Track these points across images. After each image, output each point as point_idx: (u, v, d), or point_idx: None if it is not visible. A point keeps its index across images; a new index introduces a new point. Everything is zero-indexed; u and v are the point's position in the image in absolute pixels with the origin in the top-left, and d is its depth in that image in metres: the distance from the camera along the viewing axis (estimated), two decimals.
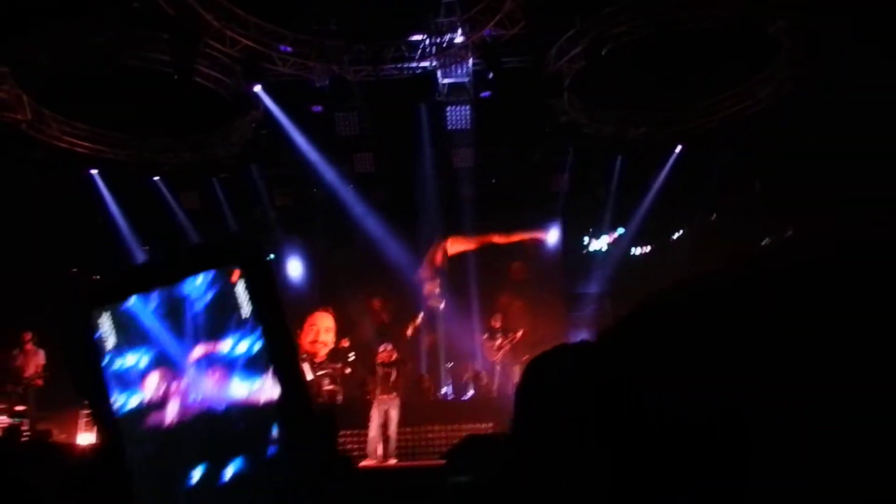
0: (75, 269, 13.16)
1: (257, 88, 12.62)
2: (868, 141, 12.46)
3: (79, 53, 11.87)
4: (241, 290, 0.88)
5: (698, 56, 12.70)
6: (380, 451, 9.59)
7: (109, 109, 12.89)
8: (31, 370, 9.98)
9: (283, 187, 14.83)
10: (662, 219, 15.44)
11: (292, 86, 13.03)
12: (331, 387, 11.47)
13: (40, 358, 10.13)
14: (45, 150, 12.93)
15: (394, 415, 9.72)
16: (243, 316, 0.88)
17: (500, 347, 11.93)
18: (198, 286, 0.91)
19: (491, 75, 12.62)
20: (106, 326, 0.86)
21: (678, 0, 12.09)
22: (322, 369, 11.72)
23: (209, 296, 0.91)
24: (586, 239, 15.59)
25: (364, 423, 9.84)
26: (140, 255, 14.63)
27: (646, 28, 12.57)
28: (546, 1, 11.52)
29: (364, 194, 14.45)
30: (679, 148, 14.57)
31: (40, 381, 9.99)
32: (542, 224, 15.18)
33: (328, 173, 14.28)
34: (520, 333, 12.02)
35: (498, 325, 12.47)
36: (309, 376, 11.79)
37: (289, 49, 12.34)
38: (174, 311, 0.89)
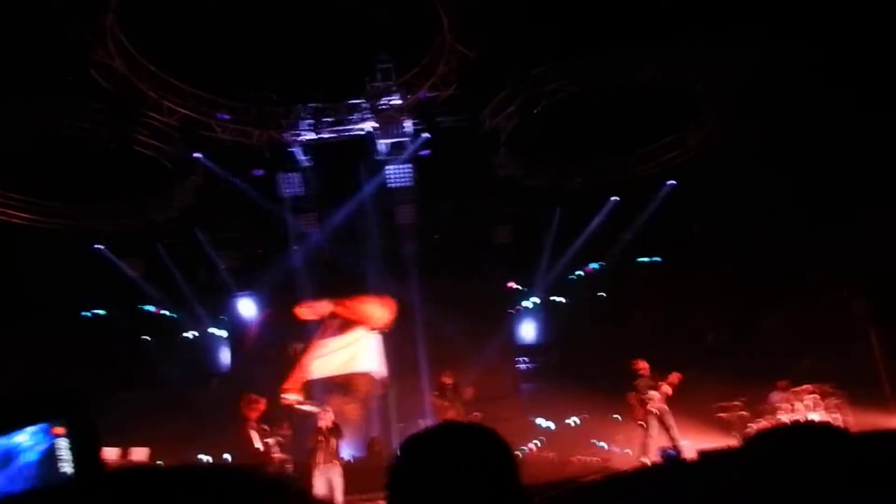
0: None
1: (197, 155, 12.67)
2: (798, 181, 13.08)
3: (13, 125, 11.82)
4: (63, 445, 0.95)
5: (630, 108, 13.21)
6: None
7: (44, 179, 12.80)
8: None
9: (228, 249, 14.81)
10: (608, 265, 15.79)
11: (233, 150, 13.14)
12: (280, 455, 11.28)
13: None
14: None
15: (338, 483, 9.59)
16: (67, 472, 0.93)
17: (450, 406, 11.75)
18: (25, 438, 0.96)
19: (428, 134, 12.91)
20: None
21: (605, 60, 12.56)
22: (270, 436, 11.53)
23: (37, 448, 0.97)
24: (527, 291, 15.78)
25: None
26: None
27: (577, 86, 13.05)
28: (478, 63, 11.89)
29: (309, 252, 14.50)
30: (614, 197, 15.00)
31: None
32: (489, 275, 15.34)
33: (273, 233, 14.35)
34: (469, 392, 11.92)
35: (450, 381, 12.24)
36: (258, 444, 11.60)
37: (227, 117, 12.47)
38: (3, 463, 0.93)
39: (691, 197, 15.11)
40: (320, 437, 9.86)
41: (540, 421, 14.22)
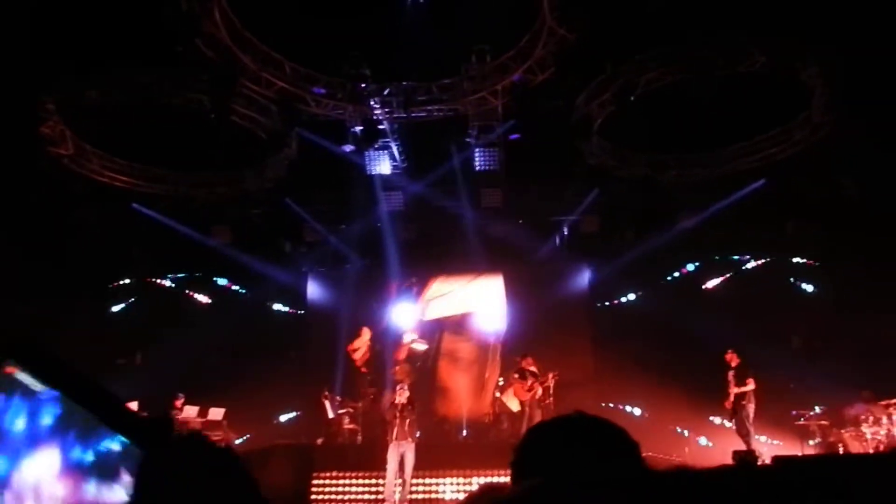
0: None
1: (292, 128, 12.89)
2: None
3: (124, 91, 12.33)
4: (24, 377, 0.93)
5: (730, 99, 12.63)
6: (396, 496, 9.59)
7: (147, 145, 13.32)
8: None
9: (314, 222, 15.03)
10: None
11: (325, 125, 13.32)
12: (351, 426, 11.51)
13: None
14: (86, 183, 13.40)
15: (409, 458, 9.72)
16: (41, 396, 0.93)
17: (530, 389, 11.69)
18: None
19: (519, 118, 12.71)
20: None
21: (710, 48, 12.02)
22: (343, 407, 11.78)
23: None
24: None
25: (382, 466, 9.89)
26: None
27: (677, 74, 12.57)
28: (576, 48, 11.57)
29: (393, 231, 14.58)
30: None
31: None
32: (571, 263, 15.04)
33: (359, 210, 14.49)
34: (551, 377, 11.78)
35: (530, 367, 12.15)
36: (330, 414, 11.89)
37: (322, 91, 12.62)
38: None
39: (787, 194, 14.40)
40: (395, 413, 9.95)
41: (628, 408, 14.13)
